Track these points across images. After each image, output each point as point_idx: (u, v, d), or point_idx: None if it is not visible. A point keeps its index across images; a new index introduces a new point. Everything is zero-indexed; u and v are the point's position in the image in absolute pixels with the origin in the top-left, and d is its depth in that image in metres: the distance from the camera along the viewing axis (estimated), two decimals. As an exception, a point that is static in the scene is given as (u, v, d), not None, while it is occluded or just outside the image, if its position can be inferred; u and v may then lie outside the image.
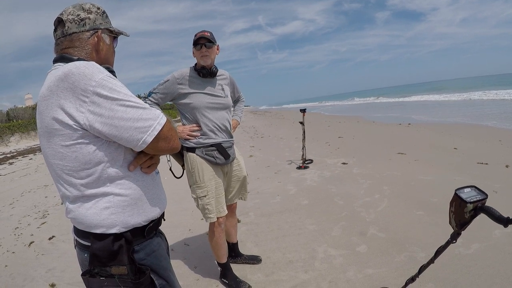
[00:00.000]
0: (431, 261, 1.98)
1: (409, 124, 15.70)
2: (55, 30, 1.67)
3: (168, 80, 3.33)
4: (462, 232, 1.72)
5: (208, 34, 3.25)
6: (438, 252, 1.90)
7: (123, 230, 1.54)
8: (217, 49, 3.39)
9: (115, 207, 1.52)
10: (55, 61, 1.60)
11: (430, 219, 4.53)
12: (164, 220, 1.87)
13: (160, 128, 1.49)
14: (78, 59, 1.55)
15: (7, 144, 31.68)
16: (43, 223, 6.49)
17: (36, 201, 8.51)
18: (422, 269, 2.08)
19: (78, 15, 1.63)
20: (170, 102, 3.52)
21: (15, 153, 23.68)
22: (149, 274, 1.58)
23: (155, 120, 1.48)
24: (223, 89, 3.46)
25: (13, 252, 5.28)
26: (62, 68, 1.43)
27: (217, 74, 3.44)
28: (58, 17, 1.65)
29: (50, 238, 5.58)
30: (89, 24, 1.65)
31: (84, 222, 1.52)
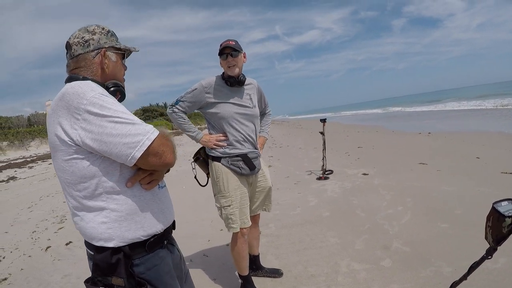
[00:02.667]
0: (464, 277, 1.91)
1: (429, 133, 15.51)
2: (66, 53, 1.78)
3: (196, 89, 3.32)
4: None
5: (233, 43, 3.22)
6: (472, 268, 1.83)
7: (121, 244, 1.58)
8: (244, 57, 3.36)
9: (111, 222, 1.58)
10: (66, 81, 1.69)
11: (454, 232, 4.41)
12: (174, 229, 1.93)
13: (149, 143, 1.51)
14: (83, 78, 1.67)
15: (27, 149, 32.31)
16: (60, 228, 6.56)
17: (54, 205, 8.62)
18: (453, 285, 2.00)
19: (83, 37, 1.74)
20: (197, 111, 3.51)
21: (35, 158, 24.15)
22: None
23: (144, 135, 1.51)
24: (251, 99, 3.43)
25: (29, 256, 5.33)
26: (63, 88, 1.55)
27: (245, 83, 3.40)
28: (67, 41, 1.76)
29: (67, 244, 5.63)
30: (93, 44, 1.74)
31: (85, 235, 1.61)
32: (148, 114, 62.88)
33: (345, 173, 8.82)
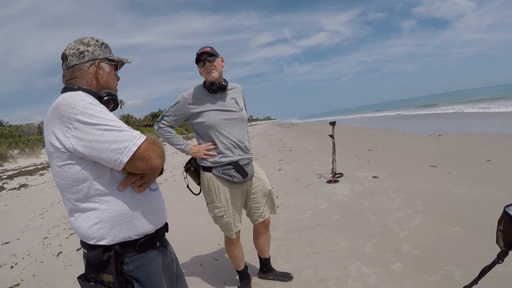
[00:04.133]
0: (475, 281, 1.90)
1: (439, 135, 15.36)
2: (62, 64, 1.89)
3: (178, 102, 3.35)
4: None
5: (209, 49, 3.24)
6: (483, 273, 1.82)
7: (112, 243, 1.69)
8: (222, 61, 3.37)
9: (103, 222, 1.68)
10: (62, 91, 1.82)
11: (465, 235, 4.38)
12: (167, 231, 2.02)
13: (135, 149, 1.60)
14: (79, 88, 1.79)
15: (38, 156, 32.51)
16: (71, 234, 6.61)
17: (65, 212, 8.59)
18: (464, 290, 1.99)
19: (78, 48, 1.85)
20: (186, 123, 3.52)
21: (46, 165, 24.39)
22: (132, 287, 1.69)
23: (131, 141, 1.61)
24: (236, 102, 3.44)
25: (41, 262, 5.39)
26: (56, 99, 1.67)
27: (228, 87, 3.41)
28: (62, 52, 1.87)
29: (78, 249, 5.67)
30: (88, 55, 1.85)
31: (80, 234, 1.73)
32: (157, 119, 63.24)
33: (355, 176, 8.79)
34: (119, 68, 2.05)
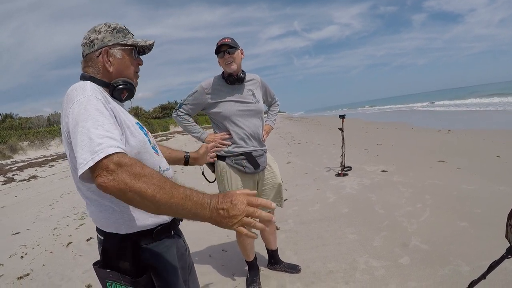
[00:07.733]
0: (483, 276, 1.91)
1: (449, 130, 15.24)
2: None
3: (196, 91, 3.40)
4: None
5: (229, 40, 3.25)
6: (491, 267, 1.83)
7: (130, 231, 1.67)
8: (242, 53, 3.38)
9: (120, 212, 1.65)
10: (80, 78, 1.81)
11: (474, 231, 4.37)
12: (181, 220, 1.96)
13: (92, 164, 1.30)
14: (90, 77, 1.77)
15: (47, 148, 32.70)
16: (81, 225, 6.69)
17: (75, 202, 8.76)
18: (472, 284, 2.00)
19: (89, 37, 1.81)
20: (202, 112, 3.56)
21: (55, 156, 24.50)
22: (149, 275, 1.67)
23: (91, 154, 1.31)
24: (253, 94, 3.46)
25: (51, 252, 5.44)
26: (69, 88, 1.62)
27: (246, 79, 3.44)
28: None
29: (88, 240, 5.73)
30: (97, 44, 1.80)
31: (97, 223, 1.72)
32: (166, 111, 63.81)
33: (364, 170, 8.78)
34: (141, 52, 1.95)
